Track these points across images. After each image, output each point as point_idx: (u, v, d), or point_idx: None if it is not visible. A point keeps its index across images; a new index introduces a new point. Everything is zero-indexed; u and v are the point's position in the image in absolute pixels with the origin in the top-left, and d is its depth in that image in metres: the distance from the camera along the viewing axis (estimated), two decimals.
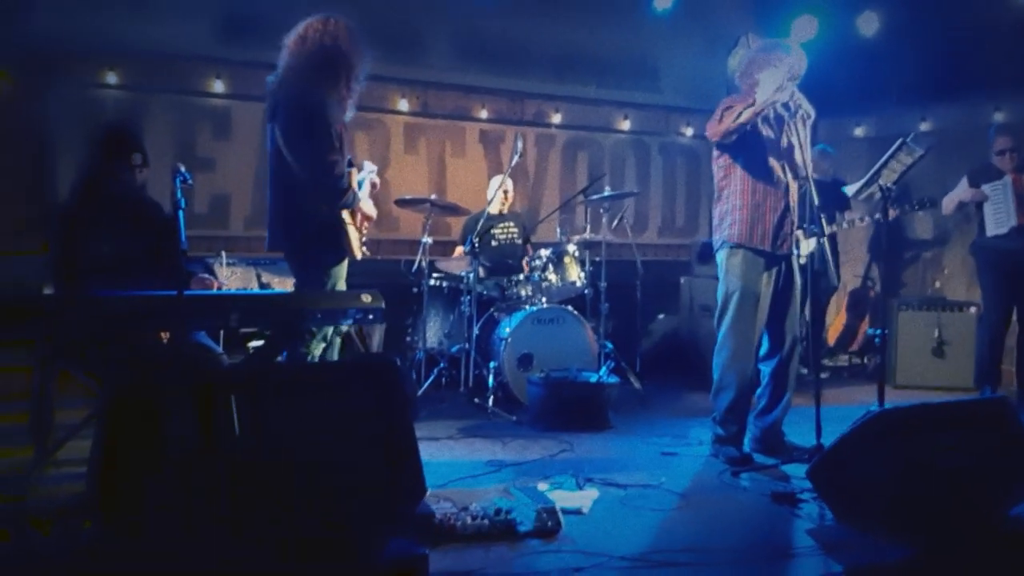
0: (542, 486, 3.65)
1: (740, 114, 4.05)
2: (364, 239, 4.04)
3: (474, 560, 2.86)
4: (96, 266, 3.39)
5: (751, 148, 4.18)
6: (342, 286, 3.90)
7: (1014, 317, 5.79)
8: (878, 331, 6.58)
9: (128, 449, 2.06)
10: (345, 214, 3.85)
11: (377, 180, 4.28)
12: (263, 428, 2.13)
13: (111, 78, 5.76)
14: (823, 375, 6.31)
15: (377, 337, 6.21)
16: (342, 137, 3.75)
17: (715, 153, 4.27)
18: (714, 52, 7.55)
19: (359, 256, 3.94)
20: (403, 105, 6.70)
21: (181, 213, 3.00)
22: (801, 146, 4.14)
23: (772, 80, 4.15)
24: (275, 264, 5.59)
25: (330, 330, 3.81)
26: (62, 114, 5.58)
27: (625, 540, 3.09)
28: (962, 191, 5.82)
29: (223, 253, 5.35)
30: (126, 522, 2.12)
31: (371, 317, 3.59)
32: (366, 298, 3.48)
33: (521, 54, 7.00)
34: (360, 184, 4.21)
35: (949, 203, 5.94)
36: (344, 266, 3.90)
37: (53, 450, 3.54)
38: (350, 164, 3.98)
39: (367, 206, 4.04)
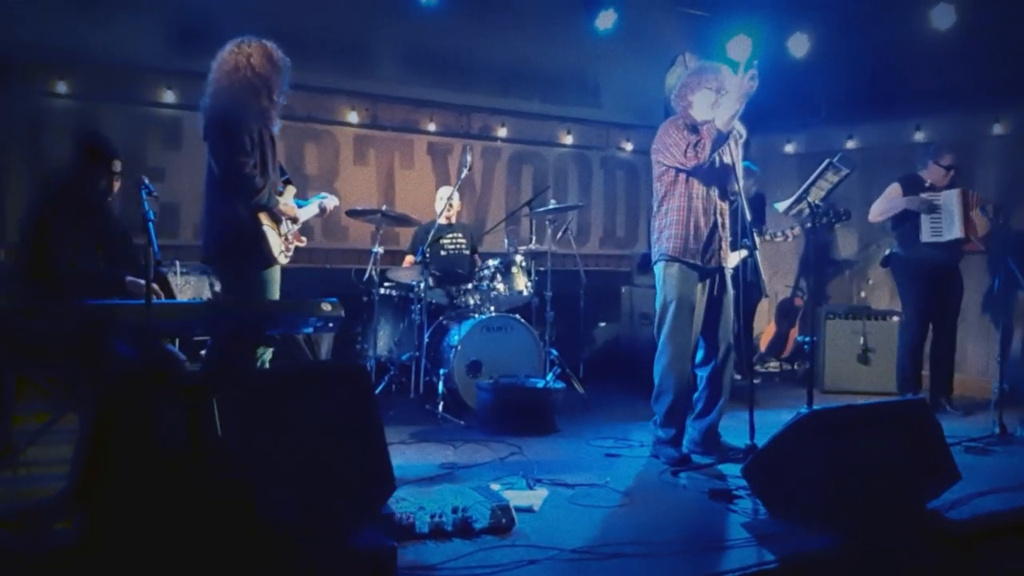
0: (494, 486, 3.82)
1: (708, 143, 4.23)
2: (291, 245, 4.20)
3: (434, 555, 3.01)
4: (69, 273, 3.48)
5: (692, 169, 4.39)
6: (273, 293, 4.04)
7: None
8: (807, 338, 6.91)
9: (116, 449, 2.18)
10: (266, 218, 4.02)
11: (329, 208, 4.47)
12: (244, 428, 2.27)
13: (61, 87, 5.77)
14: (755, 380, 6.60)
15: (326, 345, 6.32)
16: (263, 143, 3.98)
17: (659, 171, 4.47)
18: (652, 70, 7.86)
19: (282, 261, 4.11)
20: (352, 117, 6.82)
21: (151, 225, 3.12)
22: (735, 165, 4.39)
23: (705, 101, 4.41)
24: None
25: None
26: (11, 123, 5.60)
27: (574, 535, 3.28)
28: (904, 201, 5.91)
29: (176, 262, 5.42)
30: (110, 520, 2.23)
31: (331, 325, 3.75)
32: (326, 307, 3.63)
33: (468, 69, 7.19)
34: (306, 202, 4.40)
35: (883, 211, 6.04)
36: (271, 272, 4.05)
37: (15, 454, 3.59)
38: (283, 175, 4.15)
39: (289, 208, 4.20)
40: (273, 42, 4.05)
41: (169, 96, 6.15)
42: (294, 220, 4.21)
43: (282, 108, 4.13)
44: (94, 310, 3.13)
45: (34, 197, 4.14)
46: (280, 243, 4.07)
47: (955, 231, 5.77)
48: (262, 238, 3.97)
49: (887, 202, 6.07)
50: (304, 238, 4.36)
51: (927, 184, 5.97)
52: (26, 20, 5.52)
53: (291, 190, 4.31)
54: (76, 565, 2.35)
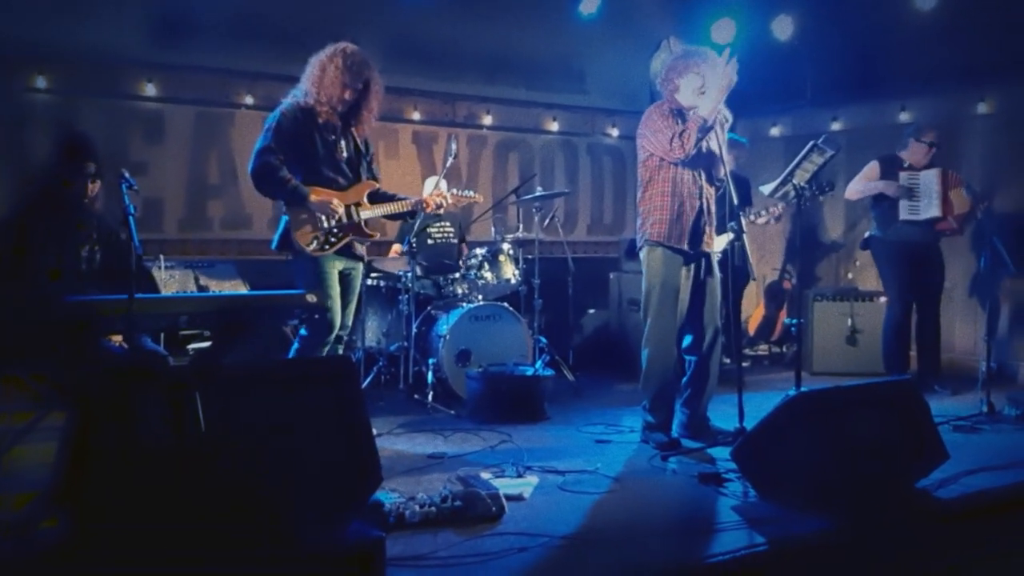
0: (485, 475, 3.81)
1: (694, 133, 4.22)
2: (343, 236, 4.25)
3: (424, 545, 3.00)
4: (46, 273, 3.44)
5: (677, 161, 4.36)
6: (319, 284, 4.10)
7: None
8: (795, 321, 6.91)
9: (99, 446, 2.16)
10: (293, 211, 4.17)
11: (432, 203, 4.60)
12: (228, 423, 2.25)
13: (40, 82, 5.70)
14: (744, 364, 6.62)
15: None
16: (310, 142, 4.19)
17: (642, 156, 4.46)
18: (637, 55, 7.82)
19: (316, 252, 4.18)
20: None
21: (132, 219, 3.09)
22: (720, 149, 4.37)
23: (692, 85, 4.38)
24: (212, 267, 5.65)
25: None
26: None
27: (565, 522, 3.27)
28: (882, 185, 5.95)
29: (161, 256, 5.38)
30: (95, 518, 2.21)
31: (316, 317, 3.73)
32: (311, 298, 3.60)
33: (453, 57, 7.14)
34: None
35: (861, 192, 6.07)
36: (312, 264, 4.17)
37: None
38: (369, 174, 4.40)
39: (321, 200, 4.21)
40: (351, 54, 4.18)
41: (150, 89, 6.09)
42: (338, 214, 4.23)
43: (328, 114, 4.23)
44: (77, 307, 3.09)
45: (17, 196, 4.10)
46: (318, 235, 4.18)
47: (933, 210, 5.81)
48: (288, 231, 4.17)
49: (864, 183, 6.09)
50: (376, 233, 4.42)
51: (906, 164, 5.97)
52: (3, 14, 5.44)
53: (368, 185, 4.42)
54: (63, 564, 2.33)
